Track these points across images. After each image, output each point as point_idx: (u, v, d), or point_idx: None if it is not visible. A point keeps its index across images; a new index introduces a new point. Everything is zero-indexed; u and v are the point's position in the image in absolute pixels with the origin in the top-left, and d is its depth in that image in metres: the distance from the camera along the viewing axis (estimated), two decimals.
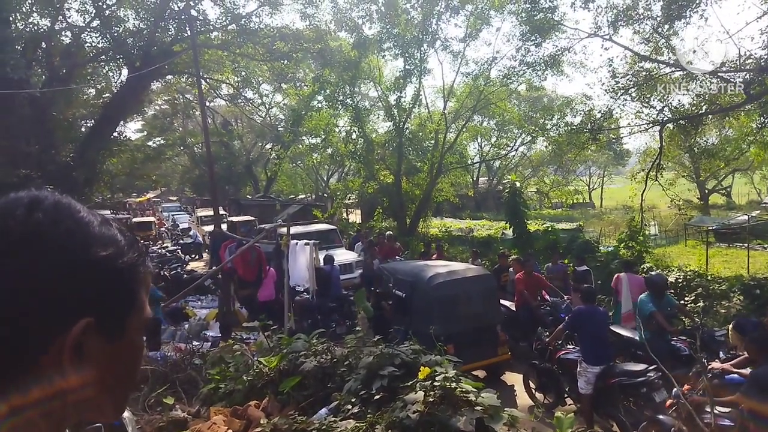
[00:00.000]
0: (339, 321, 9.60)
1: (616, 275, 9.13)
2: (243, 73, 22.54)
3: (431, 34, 19.16)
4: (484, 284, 8.15)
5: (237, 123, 39.24)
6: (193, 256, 21.86)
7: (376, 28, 19.17)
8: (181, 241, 23.81)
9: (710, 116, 15.92)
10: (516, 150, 35.08)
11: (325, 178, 42.75)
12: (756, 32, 13.46)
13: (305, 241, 9.85)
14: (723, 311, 9.97)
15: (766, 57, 12.58)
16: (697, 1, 13.65)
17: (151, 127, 32.54)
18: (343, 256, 13.48)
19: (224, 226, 19.35)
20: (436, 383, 3.12)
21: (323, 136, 23.24)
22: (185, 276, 14.80)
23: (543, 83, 23.48)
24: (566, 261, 11.88)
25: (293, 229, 13.92)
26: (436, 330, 6.73)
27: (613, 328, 7.17)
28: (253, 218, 21.99)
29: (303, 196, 41.81)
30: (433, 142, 22.50)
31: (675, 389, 5.18)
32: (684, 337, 6.70)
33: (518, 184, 18.02)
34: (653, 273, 9.67)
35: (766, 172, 38.16)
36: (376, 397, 3.54)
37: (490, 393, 3.05)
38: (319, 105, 21.58)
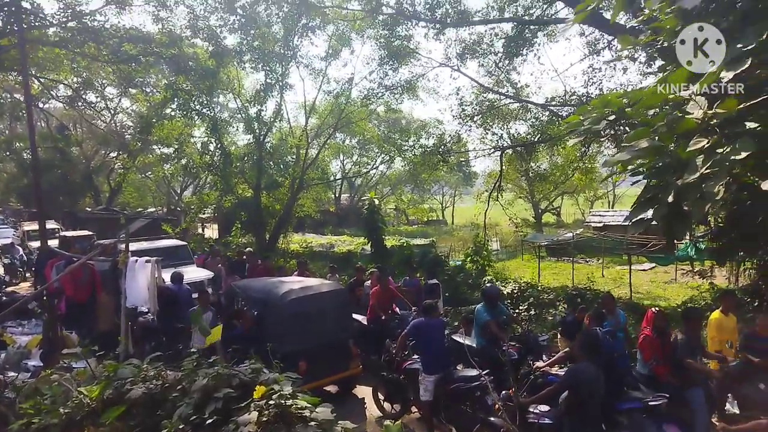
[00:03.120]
0: (186, 343, 8.99)
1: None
2: (84, 74, 20.44)
3: (293, 50, 19.11)
4: (338, 299, 8.21)
5: (76, 128, 35.45)
6: (20, 275, 19.06)
7: (236, 39, 18.64)
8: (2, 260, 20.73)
9: (542, 144, 17.95)
10: (376, 168, 36.29)
11: (179, 191, 40.29)
12: (579, 72, 15.62)
13: (146, 258, 9.08)
14: (550, 318, 11.16)
15: (587, 94, 14.52)
16: (532, 41, 15.41)
17: None
18: (193, 273, 12.69)
19: (56, 242, 17.26)
20: (271, 402, 3.05)
21: (176, 146, 21.96)
22: (4, 298, 13.05)
23: (400, 106, 24.71)
24: (418, 274, 12.46)
25: (138, 246, 12.85)
26: (290, 346, 6.62)
27: (454, 336, 7.66)
28: (91, 233, 19.89)
29: (153, 210, 38.84)
30: (294, 157, 22.35)
31: (504, 392, 5.67)
32: (514, 343, 7.36)
33: (377, 201, 18.58)
34: (488, 285, 10.58)
35: (588, 194, 43.95)
36: (209, 421, 3.35)
37: (324, 408, 3.05)
38: (173, 113, 20.31)
